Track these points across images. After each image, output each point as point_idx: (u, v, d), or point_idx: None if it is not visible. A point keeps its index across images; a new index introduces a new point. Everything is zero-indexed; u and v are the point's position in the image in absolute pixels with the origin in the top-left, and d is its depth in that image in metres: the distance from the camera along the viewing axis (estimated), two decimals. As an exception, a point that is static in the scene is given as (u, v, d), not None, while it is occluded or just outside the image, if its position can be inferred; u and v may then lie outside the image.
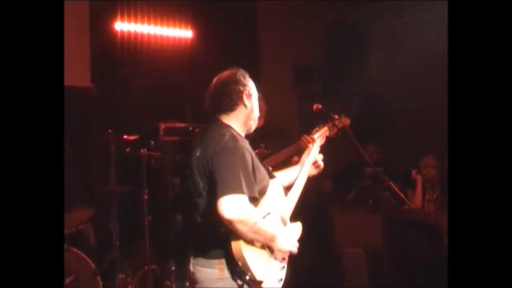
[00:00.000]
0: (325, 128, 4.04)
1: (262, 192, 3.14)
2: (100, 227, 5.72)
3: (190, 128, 6.30)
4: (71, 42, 6.52)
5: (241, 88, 3.24)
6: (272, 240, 3.08)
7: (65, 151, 5.81)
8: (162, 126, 6.30)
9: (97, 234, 5.69)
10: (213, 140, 3.12)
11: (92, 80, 6.80)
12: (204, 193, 3.10)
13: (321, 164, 3.70)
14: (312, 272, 5.60)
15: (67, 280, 4.77)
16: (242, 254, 2.96)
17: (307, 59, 8.36)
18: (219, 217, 2.89)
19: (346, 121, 4.28)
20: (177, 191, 6.41)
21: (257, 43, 8.24)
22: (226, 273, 3.05)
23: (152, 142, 6.05)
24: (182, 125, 6.43)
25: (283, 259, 3.21)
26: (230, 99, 3.23)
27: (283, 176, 3.52)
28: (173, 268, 5.92)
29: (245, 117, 3.27)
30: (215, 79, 3.32)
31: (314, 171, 3.69)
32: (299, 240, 3.37)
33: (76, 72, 6.66)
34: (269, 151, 3.22)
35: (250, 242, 3.00)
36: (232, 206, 2.87)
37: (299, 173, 3.58)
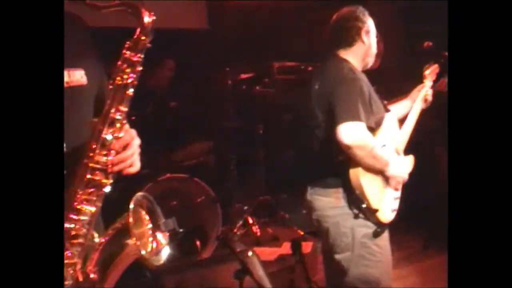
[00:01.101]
0: (436, 65, 3.91)
1: (378, 124, 3.12)
2: (218, 159, 5.85)
3: (302, 67, 6.29)
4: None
5: (360, 24, 3.20)
6: (387, 165, 3.06)
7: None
8: (276, 64, 6.33)
9: (215, 166, 5.82)
10: (331, 73, 3.10)
11: (209, 22, 6.87)
12: (323, 124, 3.09)
13: (430, 98, 3.61)
14: (422, 204, 5.53)
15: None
16: (359, 182, 2.97)
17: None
18: (338, 143, 2.90)
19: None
20: (289, 127, 6.46)
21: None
22: (342, 202, 3.07)
23: (266, 80, 6.09)
24: (294, 64, 6.42)
25: (397, 188, 3.20)
26: (349, 34, 3.19)
27: (395, 110, 3.48)
28: (285, 199, 6.03)
29: (363, 53, 3.23)
30: (335, 15, 3.29)
31: (423, 105, 3.61)
32: (411, 173, 3.34)
33: (194, 15, 6.75)
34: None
35: (367, 170, 2.99)
36: (350, 132, 2.87)
37: (411, 108, 3.53)
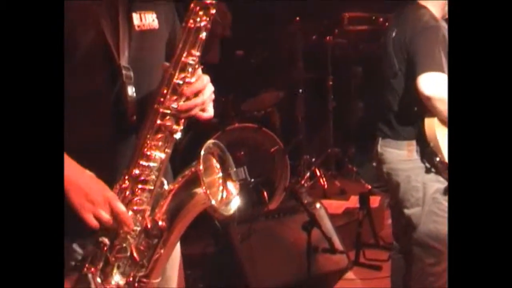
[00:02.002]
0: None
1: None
2: (287, 110, 5.79)
3: (373, 18, 6.14)
4: None
5: None
6: None
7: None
8: (346, 15, 6.18)
9: (285, 117, 5.77)
10: (411, 20, 2.97)
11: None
12: (399, 74, 2.99)
13: None
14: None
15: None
16: (434, 134, 2.85)
17: None
18: (417, 94, 2.79)
19: None
20: (359, 79, 6.33)
21: None
22: (415, 155, 2.97)
23: (337, 31, 5.97)
24: (365, 14, 6.27)
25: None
26: None
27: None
28: (354, 152, 5.94)
29: (442, 1, 3.06)
30: None
31: None
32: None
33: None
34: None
35: (443, 123, 2.87)
36: (432, 83, 2.74)
37: None
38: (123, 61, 1.78)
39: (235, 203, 1.84)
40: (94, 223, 1.69)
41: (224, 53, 5.37)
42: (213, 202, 1.74)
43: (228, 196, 1.84)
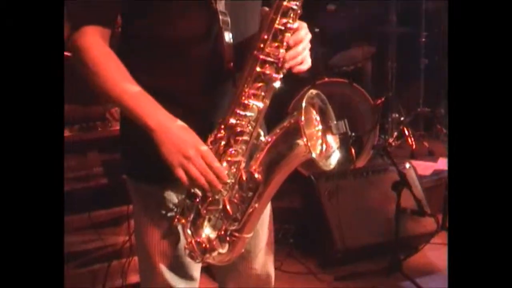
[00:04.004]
0: None
1: None
2: (377, 66, 5.59)
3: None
4: None
5: None
6: None
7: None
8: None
9: (375, 72, 5.57)
10: None
11: None
12: None
13: None
14: None
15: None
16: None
17: None
18: None
19: None
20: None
21: None
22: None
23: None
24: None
25: None
26: None
27: None
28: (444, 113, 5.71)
29: None
30: None
31: None
32: None
33: None
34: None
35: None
36: None
37: None
38: (220, 6, 1.70)
39: (335, 157, 1.74)
40: (184, 178, 1.63)
41: (316, 8, 5.21)
42: (314, 155, 1.63)
43: (327, 150, 1.74)
